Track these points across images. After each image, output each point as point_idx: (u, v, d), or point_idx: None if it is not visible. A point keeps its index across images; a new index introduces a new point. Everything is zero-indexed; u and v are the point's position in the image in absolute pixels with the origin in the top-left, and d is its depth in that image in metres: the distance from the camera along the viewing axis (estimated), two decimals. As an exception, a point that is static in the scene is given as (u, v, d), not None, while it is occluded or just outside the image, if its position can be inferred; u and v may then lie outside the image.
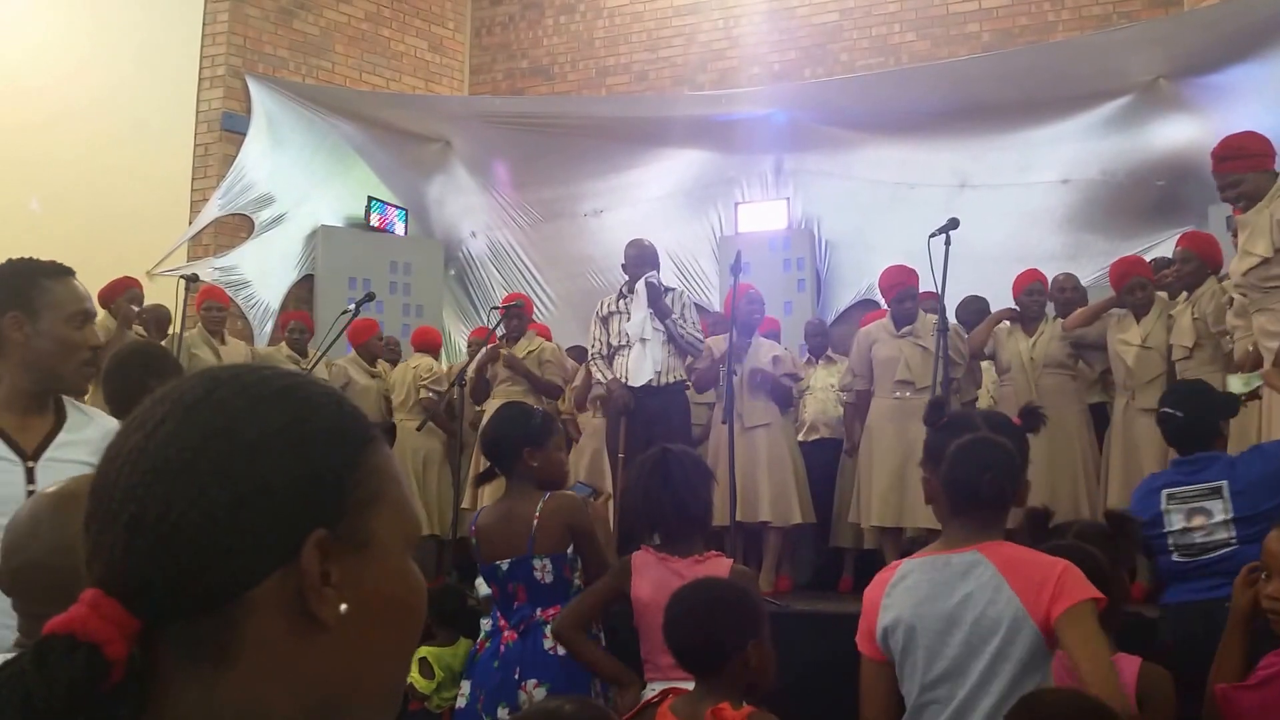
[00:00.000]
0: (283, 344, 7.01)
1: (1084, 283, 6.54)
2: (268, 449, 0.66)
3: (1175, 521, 3.17)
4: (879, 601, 2.16)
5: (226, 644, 0.64)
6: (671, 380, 5.29)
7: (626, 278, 5.39)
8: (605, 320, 5.30)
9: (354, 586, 0.67)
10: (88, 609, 0.62)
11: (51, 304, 2.06)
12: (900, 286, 5.32)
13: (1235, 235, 4.35)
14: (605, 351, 5.25)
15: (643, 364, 5.07)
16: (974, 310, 5.86)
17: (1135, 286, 4.98)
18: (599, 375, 5.25)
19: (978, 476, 2.06)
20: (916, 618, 2.08)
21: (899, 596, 2.13)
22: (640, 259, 5.30)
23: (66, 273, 2.12)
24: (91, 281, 6.25)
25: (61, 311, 2.06)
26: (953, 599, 2.04)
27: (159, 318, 6.12)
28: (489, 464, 3.24)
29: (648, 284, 5.13)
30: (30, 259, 2.13)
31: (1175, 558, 3.19)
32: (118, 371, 2.76)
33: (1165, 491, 3.23)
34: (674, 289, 5.41)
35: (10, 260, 2.13)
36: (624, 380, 5.20)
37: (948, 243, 4.54)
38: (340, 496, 0.67)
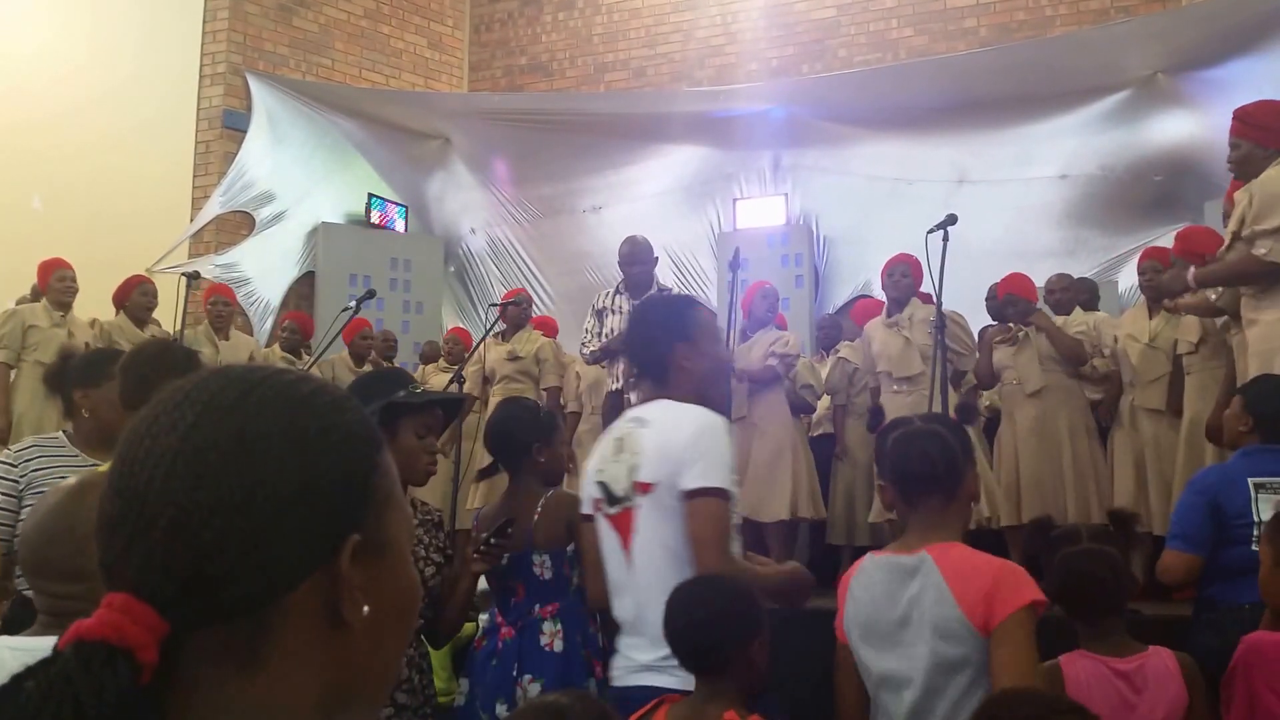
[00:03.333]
0: (275, 346, 7.03)
1: (1089, 275, 6.57)
2: (310, 453, 0.66)
3: (1265, 510, 3.02)
4: (844, 595, 2.22)
5: (256, 648, 0.64)
6: None
7: (621, 274, 5.38)
8: (600, 314, 5.29)
9: (374, 587, 0.68)
10: (119, 614, 0.60)
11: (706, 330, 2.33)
12: (894, 264, 5.32)
13: (1225, 218, 4.34)
14: (596, 345, 5.26)
15: None
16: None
17: (1145, 269, 5.05)
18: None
19: (916, 463, 2.10)
20: (867, 618, 2.11)
21: (857, 593, 2.17)
22: (632, 256, 5.27)
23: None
24: (94, 279, 6.26)
25: (711, 332, 2.36)
26: (899, 602, 2.05)
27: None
28: (492, 459, 3.20)
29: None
30: (682, 295, 2.36)
31: (1254, 547, 3.01)
32: (134, 368, 2.66)
33: (1252, 480, 3.10)
34: (667, 288, 5.40)
35: (668, 295, 2.30)
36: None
37: (946, 238, 4.55)
38: (366, 499, 0.68)
